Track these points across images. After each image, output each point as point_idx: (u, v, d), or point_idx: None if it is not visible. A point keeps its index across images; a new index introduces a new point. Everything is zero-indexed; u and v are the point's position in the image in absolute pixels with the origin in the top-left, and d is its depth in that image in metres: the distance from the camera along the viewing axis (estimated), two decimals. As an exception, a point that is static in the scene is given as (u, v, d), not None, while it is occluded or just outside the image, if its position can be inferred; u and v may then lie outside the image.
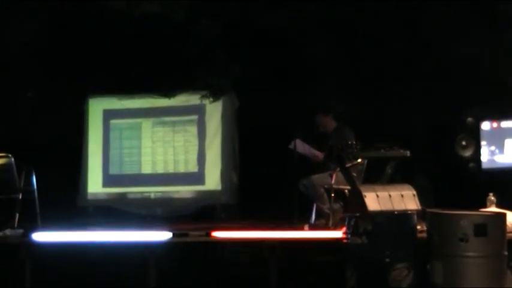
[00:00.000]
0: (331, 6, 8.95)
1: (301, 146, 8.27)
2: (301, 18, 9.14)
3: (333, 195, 7.80)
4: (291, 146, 8.23)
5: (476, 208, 6.52)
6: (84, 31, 9.83)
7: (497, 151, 8.83)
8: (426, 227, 5.99)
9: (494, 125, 8.89)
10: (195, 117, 10.53)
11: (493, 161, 8.85)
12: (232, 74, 9.83)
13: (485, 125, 8.92)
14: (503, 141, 8.84)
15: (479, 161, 8.87)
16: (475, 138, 8.92)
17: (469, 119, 8.95)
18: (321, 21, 9.11)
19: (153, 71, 9.91)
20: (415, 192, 6.94)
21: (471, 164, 8.87)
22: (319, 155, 8.25)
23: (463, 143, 8.97)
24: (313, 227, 7.73)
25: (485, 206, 6.98)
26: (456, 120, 9.03)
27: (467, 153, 8.96)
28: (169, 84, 10.24)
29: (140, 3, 9.33)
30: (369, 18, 9.02)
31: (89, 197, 10.68)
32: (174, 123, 10.62)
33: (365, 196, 6.70)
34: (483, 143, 8.88)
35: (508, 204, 6.95)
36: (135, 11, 9.30)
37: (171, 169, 10.59)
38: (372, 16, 8.98)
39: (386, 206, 6.68)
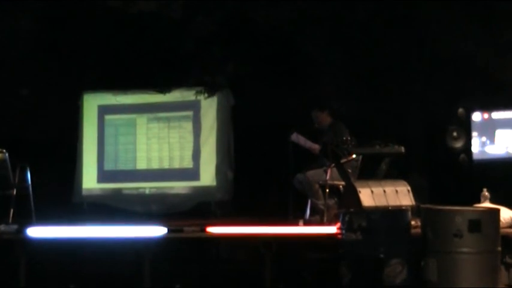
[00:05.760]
0: (327, 3, 8.96)
1: (298, 139, 8.29)
2: (297, 15, 9.15)
3: (327, 191, 7.81)
4: (294, 138, 8.23)
5: (469, 203, 6.53)
6: (80, 27, 9.83)
7: (488, 142, 8.83)
8: (420, 222, 6.00)
9: (485, 115, 8.89)
10: (190, 113, 10.52)
11: (484, 152, 8.85)
12: (228, 71, 9.83)
13: (476, 116, 8.92)
14: (494, 132, 8.84)
15: (470, 152, 8.87)
16: (466, 129, 8.92)
17: (460, 110, 8.94)
18: (317, 18, 9.12)
19: (148, 67, 9.90)
20: (409, 188, 6.97)
21: (462, 155, 8.87)
22: (316, 147, 8.25)
23: (454, 134, 8.96)
24: (307, 223, 7.74)
25: (477, 200, 6.99)
26: (447, 111, 9.03)
27: (458, 144, 8.95)
28: (165, 80, 10.24)
29: (136, 1, 9.32)
30: (364, 16, 9.03)
31: (84, 193, 10.65)
32: (169, 119, 10.61)
33: (360, 192, 6.74)
34: (474, 134, 8.88)
35: (498, 196, 6.96)
36: (131, 8, 9.29)
37: (166, 165, 10.58)
38: (368, 14, 8.99)
39: (380, 202, 6.72)
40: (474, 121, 8.88)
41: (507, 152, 8.74)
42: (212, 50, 9.78)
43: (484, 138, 8.84)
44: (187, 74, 10.03)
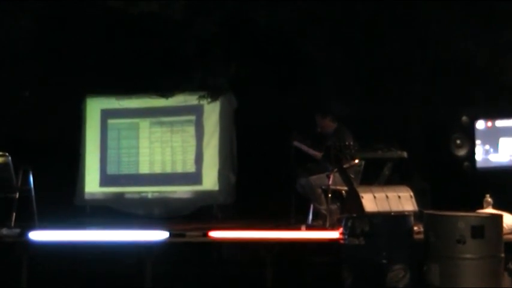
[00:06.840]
0: (327, 3, 8.95)
1: (300, 146, 8.28)
2: (297, 15, 9.14)
3: (330, 196, 7.80)
4: (296, 144, 8.22)
5: (472, 208, 6.51)
6: (82, 30, 9.82)
7: (491, 150, 8.84)
8: (423, 228, 5.98)
9: (489, 124, 8.90)
10: (193, 117, 10.53)
11: (487, 160, 8.86)
12: (230, 73, 9.83)
13: (480, 124, 8.93)
14: (498, 140, 8.85)
15: (473, 160, 8.87)
16: (469, 137, 8.92)
17: (464, 118, 8.95)
18: (317, 18, 9.11)
19: (150, 71, 9.90)
20: (412, 194, 6.95)
21: (466, 163, 8.87)
22: (318, 154, 8.24)
23: (458, 142, 8.97)
24: (310, 228, 7.72)
25: (480, 206, 6.98)
26: (451, 119, 9.03)
27: (462, 152, 8.96)
28: (167, 84, 10.23)
29: (138, 2, 9.32)
30: (364, 16, 9.02)
31: (86, 196, 10.67)
32: (172, 124, 10.61)
33: (362, 197, 6.73)
34: (478, 142, 8.89)
35: (502, 203, 6.95)
36: (133, 10, 9.28)
37: (168, 169, 10.59)
38: (368, 14, 8.98)
39: (383, 207, 6.70)
40: (478, 129, 8.89)
41: (511, 160, 8.74)
42: (213, 51, 9.77)
43: (487, 146, 8.85)
44: (189, 76, 10.02)
